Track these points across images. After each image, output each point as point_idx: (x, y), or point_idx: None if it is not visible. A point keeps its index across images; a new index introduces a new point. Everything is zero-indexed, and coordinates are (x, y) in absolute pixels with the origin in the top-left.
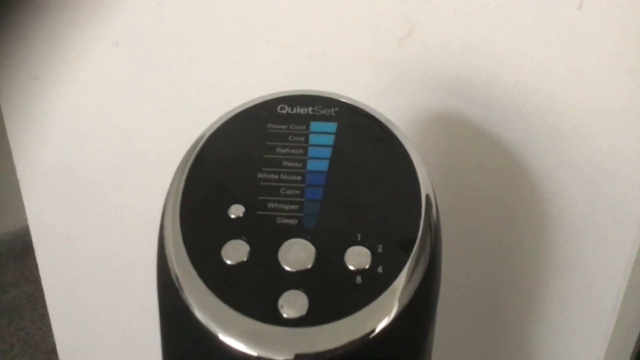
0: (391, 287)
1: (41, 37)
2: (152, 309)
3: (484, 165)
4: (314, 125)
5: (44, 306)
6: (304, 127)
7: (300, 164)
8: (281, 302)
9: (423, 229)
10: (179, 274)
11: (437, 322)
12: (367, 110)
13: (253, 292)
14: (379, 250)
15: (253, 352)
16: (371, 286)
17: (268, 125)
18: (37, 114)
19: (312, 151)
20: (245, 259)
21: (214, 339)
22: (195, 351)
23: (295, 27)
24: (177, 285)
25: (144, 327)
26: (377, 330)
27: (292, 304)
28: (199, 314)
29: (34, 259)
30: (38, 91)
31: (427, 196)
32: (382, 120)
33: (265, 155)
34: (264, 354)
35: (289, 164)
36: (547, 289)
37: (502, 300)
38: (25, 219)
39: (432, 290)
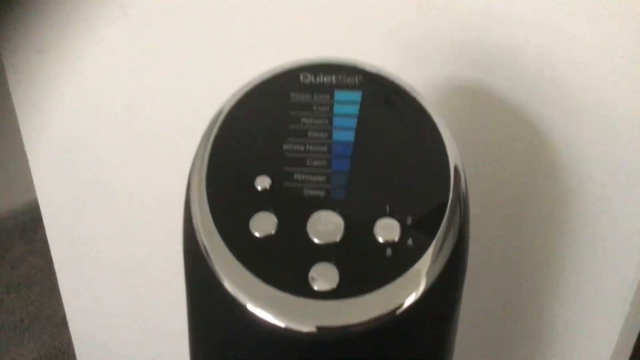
0: (421, 259)
1: (44, 9)
2: (162, 280)
3: (504, 135)
4: (339, 95)
5: (53, 280)
6: (328, 97)
7: (326, 134)
8: (312, 274)
9: (452, 201)
10: (207, 247)
11: None
12: (392, 78)
13: (282, 265)
14: (409, 222)
15: (281, 323)
16: (401, 259)
17: (291, 95)
18: (44, 87)
19: (337, 121)
20: (273, 232)
21: (242, 309)
22: (222, 322)
23: None
24: (206, 258)
25: (155, 298)
26: (407, 304)
27: (324, 276)
28: (228, 286)
29: (42, 233)
30: (44, 64)
31: (456, 167)
32: (408, 88)
33: (290, 126)
34: (293, 325)
35: (315, 135)
36: (564, 259)
37: (519, 272)
38: (31, 194)
39: (462, 262)
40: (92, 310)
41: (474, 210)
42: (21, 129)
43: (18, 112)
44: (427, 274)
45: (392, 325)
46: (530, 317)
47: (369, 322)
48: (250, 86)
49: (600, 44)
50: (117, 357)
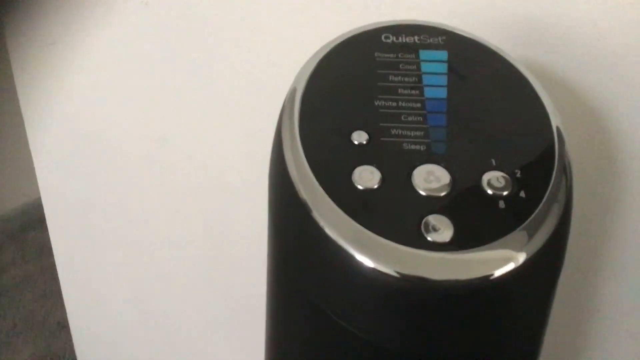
0: (538, 210)
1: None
2: (170, 285)
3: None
4: (424, 54)
5: (44, 285)
6: (413, 56)
7: (417, 91)
8: (426, 225)
9: (559, 158)
10: (309, 200)
11: None
12: (477, 39)
13: (391, 216)
14: (517, 174)
15: (395, 273)
16: (515, 211)
17: (375, 54)
18: (53, 81)
19: (426, 78)
20: (377, 185)
21: (354, 262)
22: (332, 276)
23: None
24: (310, 209)
25: (161, 302)
26: (526, 258)
27: (439, 228)
28: (337, 239)
29: (32, 239)
30: (55, 57)
31: (558, 128)
32: (494, 48)
33: (379, 83)
34: (410, 273)
35: (405, 92)
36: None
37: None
38: (21, 199)
39: (570, 218)
40: (94, 314)
41: None
42: (26, 127)
43: (24, 110)
44: (544, 228)
45: (511, 280)
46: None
47: (490, 275)
48: (332, 45)
49: None
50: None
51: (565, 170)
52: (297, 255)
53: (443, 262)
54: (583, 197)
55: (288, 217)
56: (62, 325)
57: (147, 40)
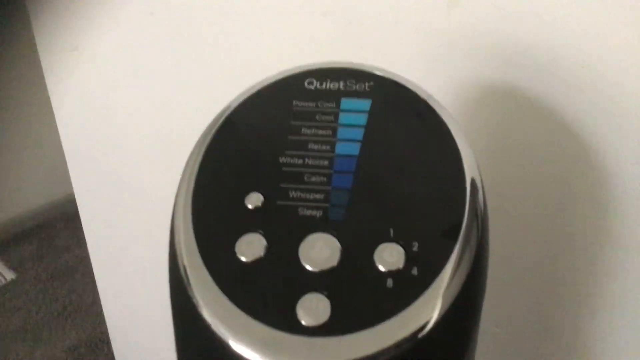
0: (427, 292)
1: (79, 9)
2: None
3: (537, 144)
4: (345, 103)
5: None
6: (333, 105)
7: (328, 147)
8: (299, 307)
9: (467, 222)
10: (188, 270)
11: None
12: (406, 84)
13: (268, 294)
14: (414, 248)
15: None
16: (403, 291)
17: (293, 103)
18: (78, 85)
19: (341, 132)
20: (261, 256)
21: (222, 343)
22: (203, 353)
23: None
24: (186, 282)
25: None
26: (406, 345)
27: (312, 309)
28: (207, 316)
29: None
30: (78, 62)
31: (473, 180)
32: (423, 96)
33: (289, 137)
34: None
35: (316, 147)
36: (608, 275)
37: (557, 292)
38: None
39: (476, 295)
40: (128, 304)
41: (507, 220)
42: (58, 125)
43: (55, 109)
44: (435, 309)
45: None
46: (566, 334)
47: None
48: (250, 93)
49: None
50: (151, 348)
51: (476, 236)
52: (179, 323)
53: (306, 347)
54: (563, 225)
55: (172, 283)
56: None
57: (154, 46)
